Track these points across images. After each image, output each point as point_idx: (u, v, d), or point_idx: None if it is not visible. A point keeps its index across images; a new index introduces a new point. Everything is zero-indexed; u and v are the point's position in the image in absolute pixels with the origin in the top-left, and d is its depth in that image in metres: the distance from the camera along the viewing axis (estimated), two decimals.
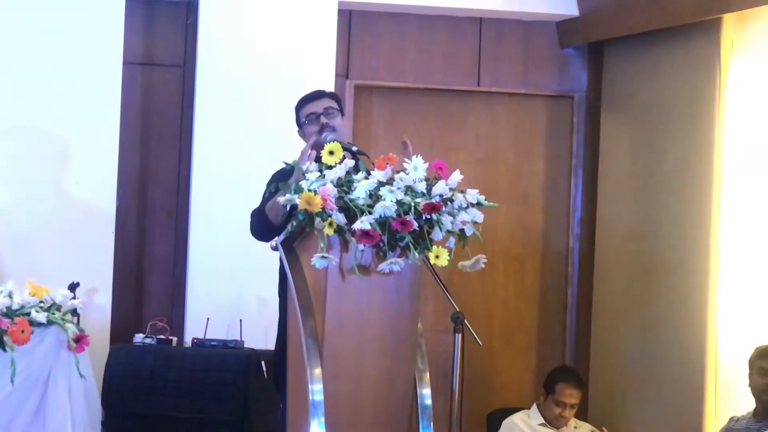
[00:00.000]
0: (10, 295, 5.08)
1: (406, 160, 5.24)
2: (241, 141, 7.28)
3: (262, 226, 5.46)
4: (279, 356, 5.80)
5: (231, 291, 7.03)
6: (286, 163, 5.27)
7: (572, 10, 7.85)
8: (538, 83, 7.99)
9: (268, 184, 5.62)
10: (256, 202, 5.46)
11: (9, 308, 5.00)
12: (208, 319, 7.04)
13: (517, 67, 7.97)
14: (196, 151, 7.48)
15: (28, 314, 5.00)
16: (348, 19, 7.76)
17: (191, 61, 7.64)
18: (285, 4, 7.48)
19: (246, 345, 6.88)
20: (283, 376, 5.65)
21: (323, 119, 5.72)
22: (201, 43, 7.51)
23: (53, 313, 5.06)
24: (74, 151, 7.23)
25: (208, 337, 6.98)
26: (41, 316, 5.01)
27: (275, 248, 5.17)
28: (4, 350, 4.90)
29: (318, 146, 5.42)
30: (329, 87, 7.02)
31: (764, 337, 6.51)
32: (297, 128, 5.83)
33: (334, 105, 5.82)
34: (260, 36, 7.46)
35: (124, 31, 7.35)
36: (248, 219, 5.57)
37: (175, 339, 7.11)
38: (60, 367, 5.04)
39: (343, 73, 7.75)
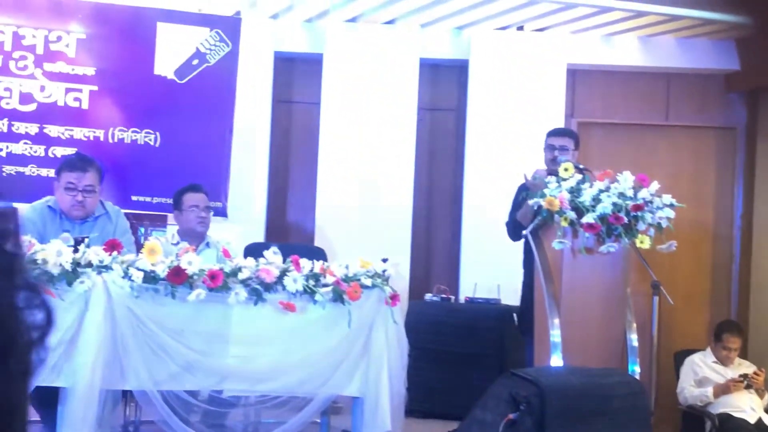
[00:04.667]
0: (346, 267, 5.20)
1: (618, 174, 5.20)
2: (501, 163, 7.32)
3: (516, 231, 5.49)
4: (523, 311, 5.80)
5: (492, 264, 7.06)
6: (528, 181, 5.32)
7: (735, 65, 7.61)
8: (710, 118, 7.78)
9: (516, 195, 5.66)
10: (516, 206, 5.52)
11: (346, 275, 5.12)
12: (476, 284, 7.10)
13: (694, 107, 7.77)
14: (467, 169, 7.54)
15: (359, 280, 5.09)
16: (573, 76, 7.70)
17: (462, 107, 7.71)
18: (531, 67, 7.48)
19: (503, 302, 6.93)
20: (526, 325, 5.67)
21: (556, 152, 5.67)
22: (470, 94, 7.57)
23: (375, 279, 5.15)
24: (383, 171, 7.40)
25: (476, 296, 7.06)
26: (368, 281, 5.10)
27: (525, 236, 5.20)
28: (343, 304, 5.01)
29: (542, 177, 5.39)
30: (560, 124, 6.99)
31: None
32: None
33: (570, 145, 5.73)
34: (512, 89, 7.48)
35: (418, 85, 7.50)
36: (503, 219, 5.65)
37: (453, 297, 7.20)
38: (380, 316, 5.08)
39: (569, 113, 7.70)
